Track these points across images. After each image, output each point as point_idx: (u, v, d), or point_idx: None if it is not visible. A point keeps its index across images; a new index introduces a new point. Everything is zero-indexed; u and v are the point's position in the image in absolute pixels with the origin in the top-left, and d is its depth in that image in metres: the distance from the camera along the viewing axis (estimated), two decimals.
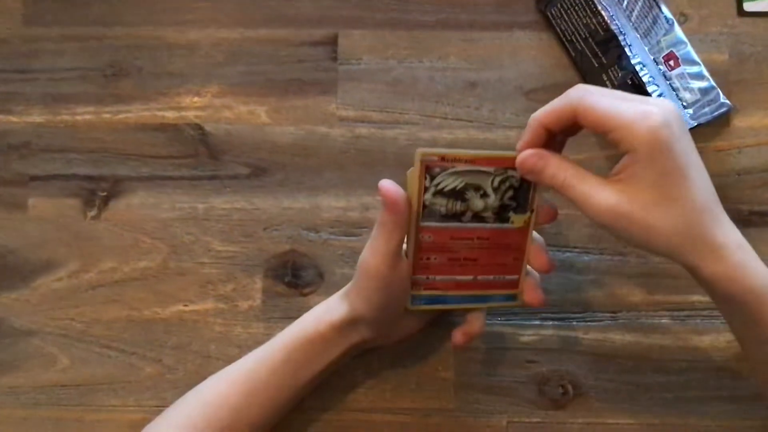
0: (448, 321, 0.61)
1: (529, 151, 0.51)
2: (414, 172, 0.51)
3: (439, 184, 0.52)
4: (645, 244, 0.48)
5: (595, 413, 0.62)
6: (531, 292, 0.56)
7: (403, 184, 0.52)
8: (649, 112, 0.47)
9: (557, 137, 0.52)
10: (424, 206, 0.52)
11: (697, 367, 0.62)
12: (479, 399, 0.62)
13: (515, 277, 0.56)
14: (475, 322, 0.57)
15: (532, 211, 0.54)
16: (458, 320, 0.58)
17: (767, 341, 0.50)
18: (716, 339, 0.63)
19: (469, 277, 0.56)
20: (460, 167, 0.51)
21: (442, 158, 0.51)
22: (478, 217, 0.54)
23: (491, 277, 0.56)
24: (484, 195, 0.53)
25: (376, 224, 0.53)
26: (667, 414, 0.61)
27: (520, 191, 0.53)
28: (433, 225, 0.53)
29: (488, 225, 0.54)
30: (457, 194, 0.52)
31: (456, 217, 0.53)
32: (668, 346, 0.62)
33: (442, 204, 0.53)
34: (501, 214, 0.54)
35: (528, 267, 0.56)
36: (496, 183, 0.53)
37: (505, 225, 0.54)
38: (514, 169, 0.52)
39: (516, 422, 0.62)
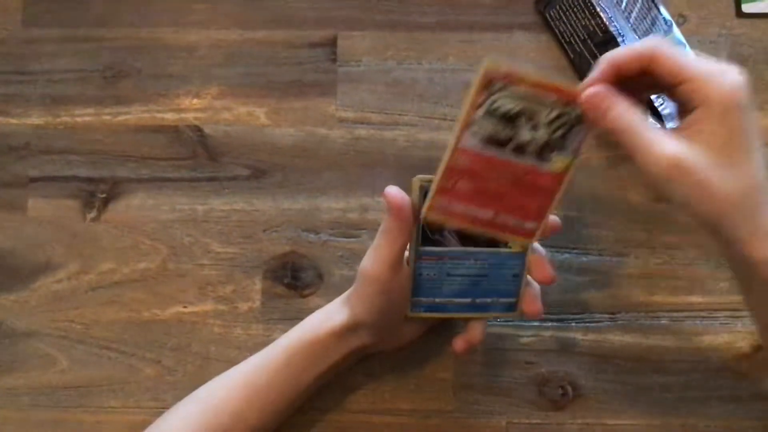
0: (448, 325, 0.61)
1: (598, 86, 0.47)
2: (474, 83, 0.47)
3: (494, 103, 0.48)
4: (696, 204, 0.45)
5: (594, 414, 0.62)
6: (530, 303, 0.56)
7: (404, 186, 0.52)
8: (727, 72, 0.45)
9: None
10: (470, 124, 0.49)
11: (696, 368, 0.62)
12: (478, 400, 0.62)
13: (534, 224, 0.52)
14: (476, 330, 0.57)
15: (575, 156, 0.50)
16: (458, 324, 0.59)
17: None
18: (715, 339, 0.63)
19: (490, 213, 0.52)
20: (522, 90, 0.48)
21: (507, 75, 0.47)
22: (519, 149, 0.50)
23: (511, 218, 0.52)
24: (535, 127, 0.49)
25: (380, 230, 0.53)
26: (667, 414, 0.61)
27: (572, 132, 0.50)
28: (470, 148, 0.49)
29: (527, 161, 0.50)
30: (507, 120, 0.49)
31: (498, 144, 0.50)
32: (667, 347, 0.62)
33: (488, 127, 0.49)
34: (543, 151, 0.50)
35: (529, 278, 0.56)
36: (551, 116, 0.49)
37: (544, 165, 0.50)
38: (574, 105, 0.48)
39: (515, 423, 0.62)
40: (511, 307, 0.57)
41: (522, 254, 0.55)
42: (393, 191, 0.51)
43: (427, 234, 0.54)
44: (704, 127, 0.45)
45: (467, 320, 0.57)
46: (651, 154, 0.45)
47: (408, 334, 0.60)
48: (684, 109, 0.46)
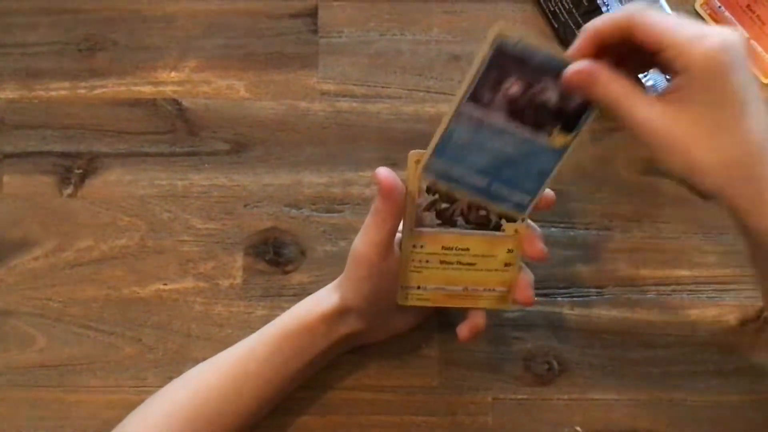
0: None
1: (581, 63, 0.46)
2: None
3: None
4: (690, 176, 0.44)
5: (580, 389, 0.61)
6: (523, 290, 0.55)
7: (389, 161, 0.51)
8: (709, 35, 0.43)
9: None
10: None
11: (683, 342, 0.62)
12: (464, 376, 0.61)
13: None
14: (479, 316, 0.56)
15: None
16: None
17: None
18: (702, 313, 0.62)
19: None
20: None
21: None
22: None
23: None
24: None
25: (370, 212, 0.52)
26: (654, 389, 0.61)
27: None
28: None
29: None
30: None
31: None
32: (654, 321, 0.62)
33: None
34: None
35: (522, 265, 0.55)
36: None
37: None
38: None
39: (501, 399, 0.61)
40: (521, 207, 0.53)
41: (559, 152, 0.51)
42: (384, 172, 0.50)
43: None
44: (687, 95, 0.44)
45: (460, 310, 0.57)
46: (639, 127, 0.44)
47: (398, 325, 0.59)
48: (672, 78, 0.45)
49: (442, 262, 0.54)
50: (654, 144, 0.44)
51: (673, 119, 0.44)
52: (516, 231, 0.54)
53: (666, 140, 0.44)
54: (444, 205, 0.52)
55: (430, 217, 0.52)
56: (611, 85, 0.45)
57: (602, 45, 0.46)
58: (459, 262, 0.54)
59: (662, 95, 0.45)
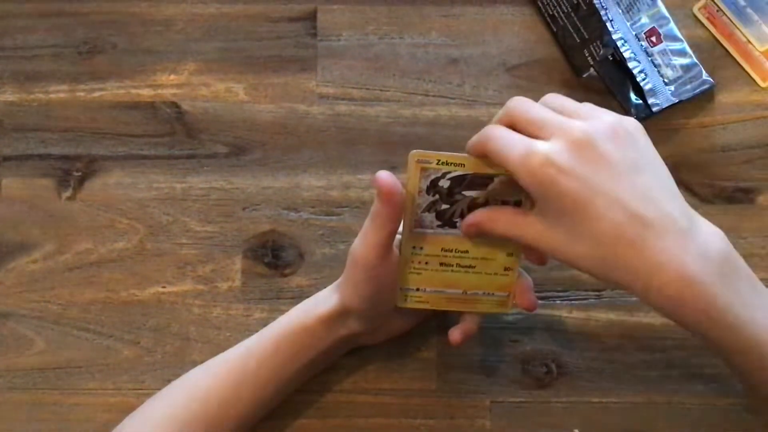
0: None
1: (465, 220, 0.52)
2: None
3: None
4: (589, 273, 0.48)
5: (578, 392, 0.61)
6: (524, 295, 0.56)
7: (389, 165, 0.51)
8: (530, 153, 0.45)
9: None
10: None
11: (681, 345, 0.62)
12: (462, 379, 0.61)
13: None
14: (472, 321, 0.56)
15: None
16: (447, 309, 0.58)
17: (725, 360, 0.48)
18: None
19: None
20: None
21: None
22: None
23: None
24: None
25: (369, 214, 0.52)
26: (652, 392, 0.61)
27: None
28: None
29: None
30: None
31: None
32: (652, 325, 0.62)
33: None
34: None
35: (521, 270, 0.55)
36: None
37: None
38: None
39: (499, 402, 0.61)
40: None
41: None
42: (383, 176, 0.50)
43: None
44: (540, 210, 0.47)
45: (458, 313, 0.57)
46: (532, 243, 0.49)
47: (397, 327, 0.59)
48: None
49: (441, 264, 0.54)
50: (545, 251, 0.49)
51: (545, 231, 0.47)
52: (511, 254, 0.54)
53: (548, 248, 0.48)
54: (444, 206, 0.52)
55: (429, 218, 0.52)
56: (497, 223, 0.50)
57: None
58: (458, 265, 0.54)
59: (536, 211, 0.48)
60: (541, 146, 0.45)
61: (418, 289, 0.55)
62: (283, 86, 0.65)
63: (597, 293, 0.62)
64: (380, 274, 0.53)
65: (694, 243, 0.45)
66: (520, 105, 0.48)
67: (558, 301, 0.62)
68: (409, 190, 0.51)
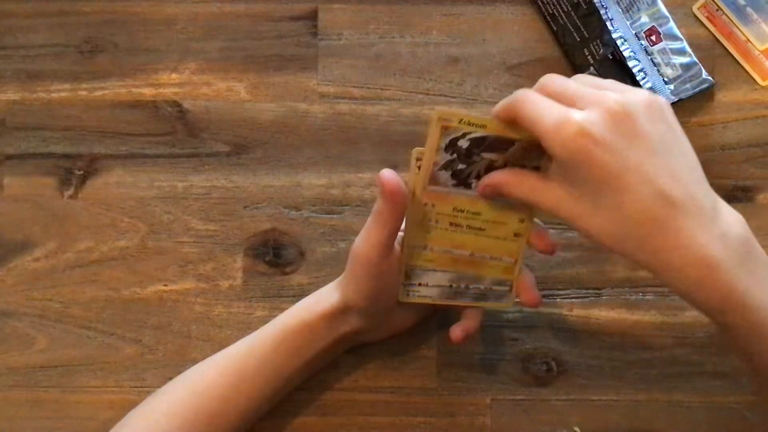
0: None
1: (484, 179, 0.51)
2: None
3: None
4: (599, 244, 0.47)
5: (579, 390, 0.61)
6: (527, 291, 0.56)
7: (390, 163, 0.51)
8: (565, 121, 0.44)
9: None
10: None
11: (681, 343, 0.62)
12: (462, 377, 0.61)
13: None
14: (473, 319, 0.57)
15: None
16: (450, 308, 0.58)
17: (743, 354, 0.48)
18: (700, 315, 0.61)
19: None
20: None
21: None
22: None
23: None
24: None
25: (372, 212, 0.52)
26: (652, 390, 0.61)
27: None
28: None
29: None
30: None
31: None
32: (652, 322, 0.62)
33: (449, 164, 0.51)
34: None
35: (523, 266, 0.56)
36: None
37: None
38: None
39: (499, 400, 0.61)
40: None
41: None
42: (387, 174, 0.50)
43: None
44: (566, 179, 0.47)
45: (459, 309, 0.57)
46: (550, 210, 0.48)
47: (398, 324, 0.59)
48: None
49: (451, 224, 0.54)
50: (564, 219, 0.48)
51: (565, 200, 0.47)
52: (522, 220, 0.54)
53: (567, 216, 0.47)
54: (461, 166, 0.51)
55: (445, 176, 0.52)
56: (516, 187, 0.50)
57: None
58: (469, 226, 0.54)
59: (556, 178, 0.48)
60: (577, 115, 0.44)
61: (426, 247, 0.55)
62: (284, 85, 0.65)
63: (597, 291, 0.63)
64: (382, 271, 0.53)
65: (716, 227, 0.45)
66: (555, 78, 0.48)
67: (558, 299, 0.63)
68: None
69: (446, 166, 0.51)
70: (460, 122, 0.49)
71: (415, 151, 0.51)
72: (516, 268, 0.56)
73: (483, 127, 0.49)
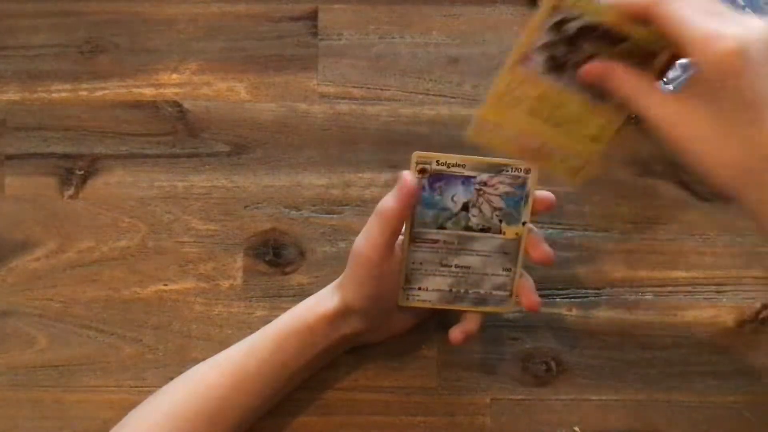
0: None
1: (594, 63, 0.47)
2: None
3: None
4: (699, 173, 0.44)
5: (578, 390, 0.61)
6: (527, 296, 0.56)
7: (388, 162, 0.51)
8: (720, 35, 0.41)
9: None
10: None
11: (680, 343, 0.62)
12: (462, 377, 0.61)
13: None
14: (473, 321, 0.57)
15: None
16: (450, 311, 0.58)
17: None
18: (699, 315, 0.62)
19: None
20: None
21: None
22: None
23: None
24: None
25: (374, 212, 0.52)
26: (651, 390, 0.61)
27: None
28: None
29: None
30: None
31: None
32: (652, 322, 0.62)
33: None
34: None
35: (523, 271, 0.56)
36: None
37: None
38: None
39: (499, 399, 0.61)
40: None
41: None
42: (409, 176, 0.51)
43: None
44: (701, 95, 0.43)
45: (458, 312, 0.57)
46: (653, 122, 0.44)
47: (399, 325, 0.59)
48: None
49: (532, 109, 0.51)
50: (668, 140, 0.44)
51: (687, 117, 0.44)
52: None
53: (680, 138, 0.44)
54: (560, 51, 0.48)
55: (539, 59, 0.49)
56: (625, 81, 0.46)
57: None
58: (548, 117, 0.51)
59: (679, 90, 0.44)
60: (737, 31, 0.41)
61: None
62: (284, 85, 0.65)
63: (596, 291, 0.63)
64: (382, 272, 0.53)
65: None
66: None
67: (558, 299, 0.63)
68: (531, 25, 0.48)
69: (545, 48, 0.48)
70: (577, 2, 0.46)
71: (416, 154, 0.52)
72: (513, 298, 0.56)
73: (600, 14, 0.46)
